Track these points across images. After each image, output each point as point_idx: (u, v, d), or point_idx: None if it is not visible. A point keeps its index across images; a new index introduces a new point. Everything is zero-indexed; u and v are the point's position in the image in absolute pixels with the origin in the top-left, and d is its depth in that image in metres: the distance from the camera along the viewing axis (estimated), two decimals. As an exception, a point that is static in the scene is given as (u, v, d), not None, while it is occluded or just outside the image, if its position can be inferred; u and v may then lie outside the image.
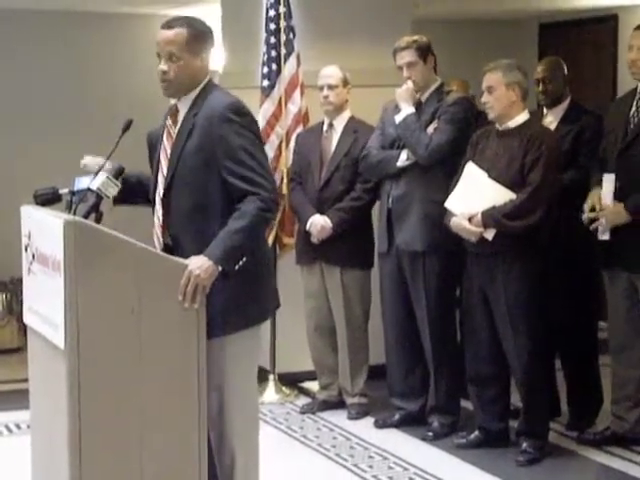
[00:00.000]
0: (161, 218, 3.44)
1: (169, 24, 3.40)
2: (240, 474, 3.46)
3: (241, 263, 3.33)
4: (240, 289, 3.36)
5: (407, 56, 4.97)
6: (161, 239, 3.45)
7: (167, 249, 3.40)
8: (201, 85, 3.44)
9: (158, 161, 3.49)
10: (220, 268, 3.26)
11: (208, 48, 3.45)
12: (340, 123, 5.41)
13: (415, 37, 5.03)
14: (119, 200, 3.54)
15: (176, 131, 3.45)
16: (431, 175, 4.92)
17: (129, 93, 7.43)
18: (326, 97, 5.36)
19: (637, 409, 4.76)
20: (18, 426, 5.27)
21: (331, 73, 5.37)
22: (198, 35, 3.41)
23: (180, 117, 3.46)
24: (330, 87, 5.35)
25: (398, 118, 4.98)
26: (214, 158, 3.34)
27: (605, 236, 4.59)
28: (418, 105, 5.00)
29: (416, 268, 4.99)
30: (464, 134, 4.88)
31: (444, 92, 5.04)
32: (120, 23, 7.73)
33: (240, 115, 3.37)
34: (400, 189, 5.00)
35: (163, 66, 3.38)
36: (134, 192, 3.59)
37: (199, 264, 3.23)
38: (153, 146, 3.58)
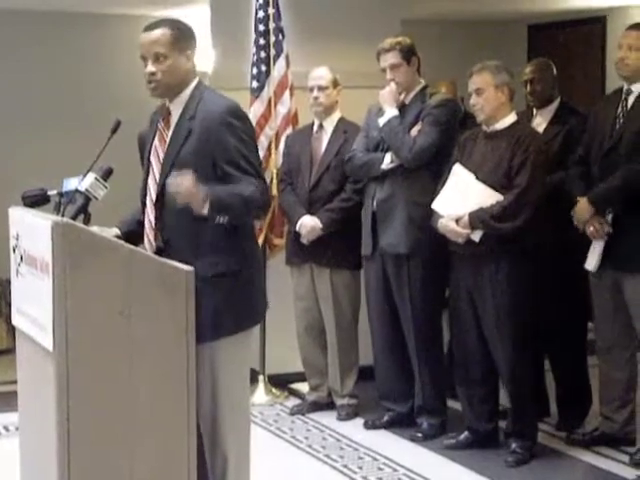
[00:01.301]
0: (153, 222, 3.42)
1: (151, 26, 3.38)
2: (232, 477, 3.46)
3: (220, 220, 3.27)
4: (231, 293, 3.35)
5: (390, 58, 4.94)
6: (153, 243, 3.42)
7: (159, 252, 3.38)
8: (191, 86, 3.42)
9: (149, 163, 3.46)
10: (208, 206, 3.21)
11: (193, 46, 3.43)
12: (330, 124, 5.41)
13: (399, 39, 5.00)
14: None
15: (169, 134, 3.41)
16: (415, 177, 4.91)
17: (126, 94, 7.40)
18: (316, 98, 5.35)
19: (625, 409, 4.77)
20: (7, 428, 5.26)
21: (321, 74, 5.36)
22: (182, 33, 3.39)
23: (173, 120, 3.42)
24: (320, 88, 5.33)
25: (382, 120, 4.96)
26: (212, 162, 3.32)
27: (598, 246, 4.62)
28: (402, 107, 4.97)
29: (400, 271, 4.98)
30: (448, 136, 4.86)
31: (428, 94, 5.00)
32: (118, 24, 7.70)
33: (239, 119, 3.36)
34: (384, 192, 4.97)
35: (151, 67, 3.36)
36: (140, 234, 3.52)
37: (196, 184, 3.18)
38: (144, 147, 3.55)
